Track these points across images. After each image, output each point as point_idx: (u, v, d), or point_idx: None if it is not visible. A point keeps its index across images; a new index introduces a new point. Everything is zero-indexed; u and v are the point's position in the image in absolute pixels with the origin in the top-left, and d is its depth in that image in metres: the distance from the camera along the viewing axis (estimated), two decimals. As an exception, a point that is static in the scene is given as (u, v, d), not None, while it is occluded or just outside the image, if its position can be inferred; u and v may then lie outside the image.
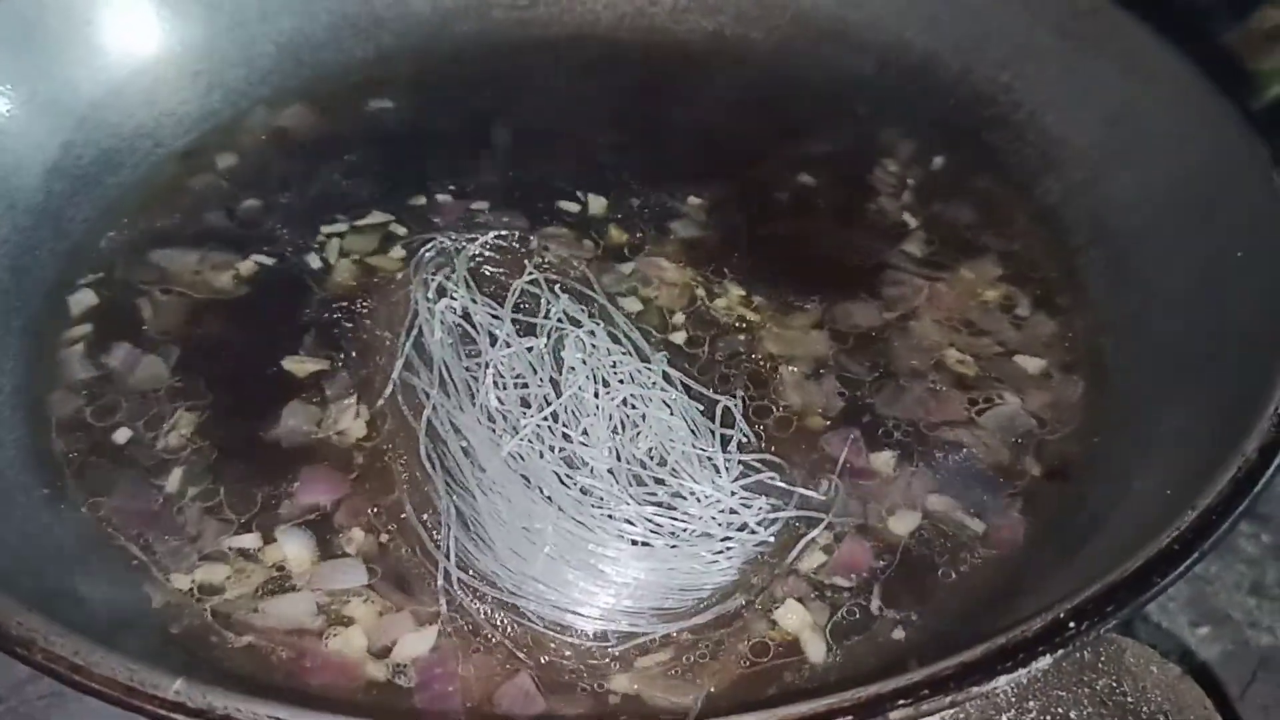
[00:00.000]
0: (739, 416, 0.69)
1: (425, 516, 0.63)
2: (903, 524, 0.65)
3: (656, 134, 0.90)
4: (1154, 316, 0.73)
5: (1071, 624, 0.48)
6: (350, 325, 0.75)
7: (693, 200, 0.84)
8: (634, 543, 0.61)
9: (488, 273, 0.77)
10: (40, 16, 0.83)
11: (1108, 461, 0.68)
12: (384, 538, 0.63)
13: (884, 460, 0.68)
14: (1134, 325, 0.74)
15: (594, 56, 0.98)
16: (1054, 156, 0.84)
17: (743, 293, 0.77)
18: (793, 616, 0.60)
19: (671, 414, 0.66)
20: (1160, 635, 0.75)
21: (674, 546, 0.61)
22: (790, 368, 0.72)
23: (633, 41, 0.99)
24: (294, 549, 0.63)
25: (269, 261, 0.79)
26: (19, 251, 0.77)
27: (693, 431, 0.66)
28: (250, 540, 0.63)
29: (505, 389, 0.67)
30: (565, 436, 0.65)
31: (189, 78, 0.90)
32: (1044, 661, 0.47)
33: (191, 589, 0.61)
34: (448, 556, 0.61)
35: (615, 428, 0.66)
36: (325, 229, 0.81)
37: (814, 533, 0.63)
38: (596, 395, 0.66)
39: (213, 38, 0.91)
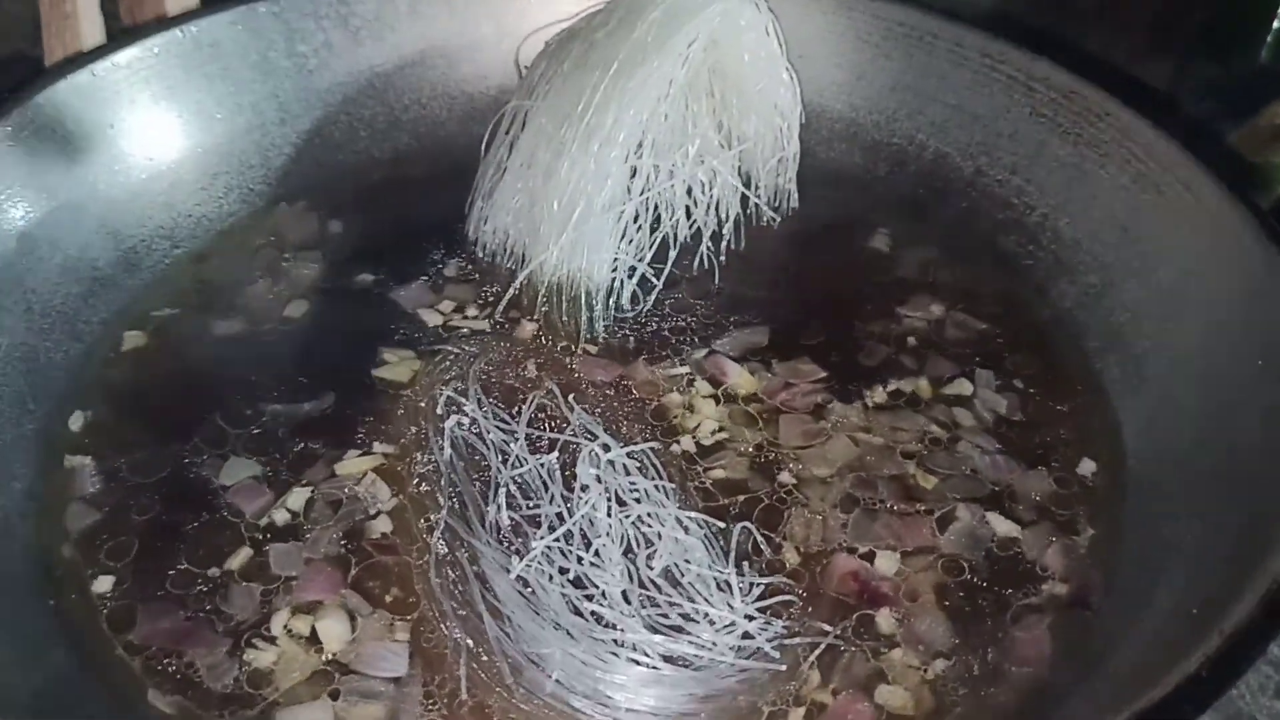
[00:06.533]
0: (757, 536, 0.67)
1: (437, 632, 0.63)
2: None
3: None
4: (1172, 424, 0.72)
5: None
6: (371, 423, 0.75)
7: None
8: (644, 668, 0.60)
9: (500, 382, 0.77)
10: (62, 119, 0.83)
11: (1127, 576, 0.66)
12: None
13: (889, 562, 0.67)
14: (1151, 432, 0.74)
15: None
16: (1068, 261, 0.84)
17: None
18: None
19: (687, 533, 0.65)
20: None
21: (685, 671, 0.60)
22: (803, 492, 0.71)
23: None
24: (331, 627, 0.63)
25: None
26: (34, 354, 0.77)
27: (708, 551, 0.65)
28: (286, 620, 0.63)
29: (518, 510, 0.67)
30: (577, 559, 0.64)
31: (208, 179, 0.90)
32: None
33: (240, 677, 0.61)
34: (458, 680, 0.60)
35: (628, 548, 0.65)
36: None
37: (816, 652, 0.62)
38: (609, 514, 0.65)
39: (232, 140, 0.92)
